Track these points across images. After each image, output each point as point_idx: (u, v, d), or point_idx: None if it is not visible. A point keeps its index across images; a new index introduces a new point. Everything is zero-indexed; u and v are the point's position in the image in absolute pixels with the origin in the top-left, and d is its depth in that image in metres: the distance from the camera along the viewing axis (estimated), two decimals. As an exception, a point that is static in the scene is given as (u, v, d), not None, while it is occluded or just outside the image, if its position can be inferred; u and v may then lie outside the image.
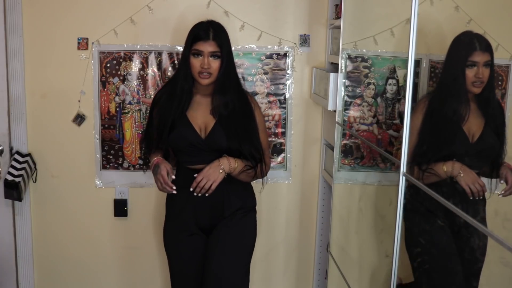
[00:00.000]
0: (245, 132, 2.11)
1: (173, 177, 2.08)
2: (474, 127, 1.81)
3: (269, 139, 2.57)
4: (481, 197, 1.77)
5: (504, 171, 1.75)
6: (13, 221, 2.63)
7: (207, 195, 2.06)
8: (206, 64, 2.03)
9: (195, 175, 2.07)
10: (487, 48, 1.72)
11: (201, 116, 2.12)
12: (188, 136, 2.09)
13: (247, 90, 2.27)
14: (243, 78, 2.63)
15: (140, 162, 2.66)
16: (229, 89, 2.10)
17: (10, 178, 2.47)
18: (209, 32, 2.04)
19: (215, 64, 2.04)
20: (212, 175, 2.04)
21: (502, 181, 1.75)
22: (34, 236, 2.70)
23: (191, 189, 2.06)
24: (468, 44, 1.75)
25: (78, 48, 2.56)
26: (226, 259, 2.09)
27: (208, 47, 2.03)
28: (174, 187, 2.05)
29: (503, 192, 1.73)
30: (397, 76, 2.19)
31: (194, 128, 2.10)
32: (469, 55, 1.73)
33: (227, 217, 2.14)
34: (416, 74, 1.89)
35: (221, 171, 2.05)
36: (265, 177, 2.23)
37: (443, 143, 1.86)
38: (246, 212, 2.19)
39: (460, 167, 1.80)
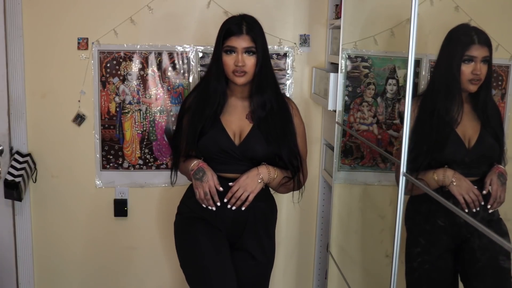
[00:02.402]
0: (283, 136, 1.93)
1: (221, 188, 1.88)
2: (469, 130, 1.69)
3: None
4: (477, 208, 1.62)
5: (489, 178, 1.61)
6: (13, 221, 2.63)
7: (243, 208, 1.88)
8: (240, 61, 1.85)
9: (230, 184, 1.88)
10: (485, 42, 1.60)
11: (236, 120, 1.95)
12: (220, 142, 1.91)
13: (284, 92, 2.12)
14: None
15: (140, 162, 2.66)
16: (267, 88, 1.92)
17: (10, 178, 2.47)
18: (242, 26, 1.87)
19: (250, 61, 1.87)
20: (249, 184, 1.86)
21: (485, 191, 1.61)
22: (34, 236, 2.70)
23: (225, 200, 1.87)
24: (465, 37, 1.63)
25: (78, 48, 2.56)
26: None
27: (241, 42, 1.85)
28: (219, 203, 1.88)
29: (489, 206, 1.60)
30: (397, 76, 2.19)
31: (227, 134, 1.92)
32: (465, 49, 1.61)
33: (248, 246, 1.97)
34: (416, 74, 1.88)
35: (259, 180, 1.87)
36: (303, 187, 2.04)
37: (436, 150, 1.73)
38: (266, 240, 2.01)
39: (453, 175, 1.66)
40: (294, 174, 1.96)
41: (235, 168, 1.94)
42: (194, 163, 1.93)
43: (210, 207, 1.91)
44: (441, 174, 1.68)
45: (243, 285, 1.99)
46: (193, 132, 1.94)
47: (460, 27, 1.67)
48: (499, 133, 1.68)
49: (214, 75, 1.93)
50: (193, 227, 1.98)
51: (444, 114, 1.70)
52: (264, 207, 2.00)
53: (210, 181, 1.87)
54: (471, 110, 1.71)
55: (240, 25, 1.88)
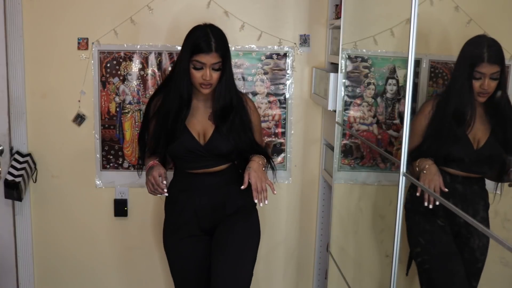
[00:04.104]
0: (244, 135, 2.09)
1: (164, 182, 1.99)
2: (479, 133, 1.79)
3: (269, 139, 2.66)
4: (436, 203, 1.70)
5: None
6: (13, 221, 2.63)
7: (274, 193, 1.99)
8: (208, 76, 1.97)
9: (242, 187, 1.95)
10: (496, 59, 1.69)
11: (199, 121, 2.09)
12: (186, 144, 2.05)
13: (241, 90, 2.24)
14: (243, 78, 2.63)
15: (140, 162, 2.66)
16: (228, 95, 2.06)
17: (10, 178, 2.47)
18: (211, 42, 1.96)
19: (216, 74, 2.00)
20: (263, 176, 1.98)
21: None
22: (34, 236, 2.70)
23: (255, 201, 1.95)
24: (477, 54, 1.72)
25: (78, 48, 2.56)
26: (233, 268, 2.01)
27: (210, 59, 1.96)
28: (166, 190, 1.99)
29: None
30: (397, 76, 2.19)
31: (192, 135, 2.06)
32: (476, 66, 1.71)
33: (229, 215, 2.10)
34: (416, 74, 1.89)
35: (264, 168, 2.03)
36: (275, 167, 2.20)
37: (446, 148, 1.83)
38: (248, 211, 2.15)
39: (429, 164, 1.76)
40: (266, 157, 2.12)
41: (202, 164, 2.09)
42: (149, 164, 2.05)
43: (164, 195, 2.02)
44: (421, 163, 1.78)
45: (230, 260, 2.03)
46: (162, 135, 2.05)
47: (475, 40, 1.74)
48: (509, 136, 1.76)
49: (184, 82, 2.02)
50: (173, 251, 2.17)
51: (458, 118, 1.81)
52: (238, 189, 2.07)
53: (154, 172, 1.98)
54: (483, 114, 1.80)
55: (209, 42, 1.96)
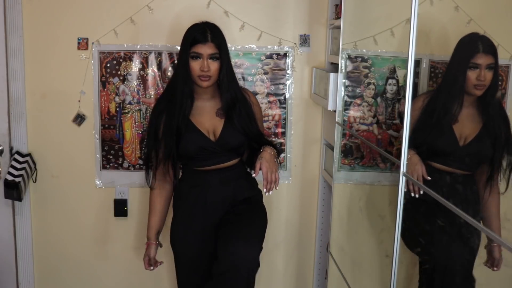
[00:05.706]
0: (250, 125, 2.16)
1: (151, 268, 2.27)
2: (467, 130, 1.81)
3: (269, 139, 2.64)
4: (421, 192, 1.74)
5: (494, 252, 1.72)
6: (13, 221, 2.63)
7: (277, 188, 2.04)
8: (206, 66, 2.02)
9: (253, 174, 2.02)
10: (491, 50, 1.70)
11: (207, 120, 2.13)
12: (197, 141, 2.10)
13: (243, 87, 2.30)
14: (243, 78, 2.63)
15: (140, 162, 2.66)
16: (233, 87, 2.12)
17: (10, 178, 2.47)
18: (207, 34, 2.04)
19: (214, 66, 2.04)
20: (274, 166, 2.03)
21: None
22: (34, 236, 2.71)
23: (265, 190, 2.00)
24: (472, 46, 1.74)
25: (78, 48, 2.56)
26: (242, 241, 1.99)
27: (207, 49, 2.03)
28: (157, 265, 2.28)
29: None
30: (397, 76, 2.19)
31: (202, 133, 2.11)
32: (471, 57, 1.72)
33: (238, 202, 2.16)
34: (416, 74, 1.89)
35: (275, 159, 2.07)
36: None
37: (432, 141, 1.87)
38: (256, 200, 2.22)
39: (411, 154, 1.80)
40: (273, 146, 2.16)
41: (215, 161, 2.13)
42: (149, 237, 2.26)
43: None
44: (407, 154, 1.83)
45: (238, 228, 2.06)
46: (169, 136, 2.09)
47: (469, 36, 1.76)
48: (498, 136, 1.76)
49: (181, 78, 2.08)
50: (183, 245, 2.23)
51: (445, 111, 1.83)
52: (247, 183, 2.22)
53: (146, 264, 2.27)
54: (476, 113, 1.81)
55: (205, 34, 2.04)
